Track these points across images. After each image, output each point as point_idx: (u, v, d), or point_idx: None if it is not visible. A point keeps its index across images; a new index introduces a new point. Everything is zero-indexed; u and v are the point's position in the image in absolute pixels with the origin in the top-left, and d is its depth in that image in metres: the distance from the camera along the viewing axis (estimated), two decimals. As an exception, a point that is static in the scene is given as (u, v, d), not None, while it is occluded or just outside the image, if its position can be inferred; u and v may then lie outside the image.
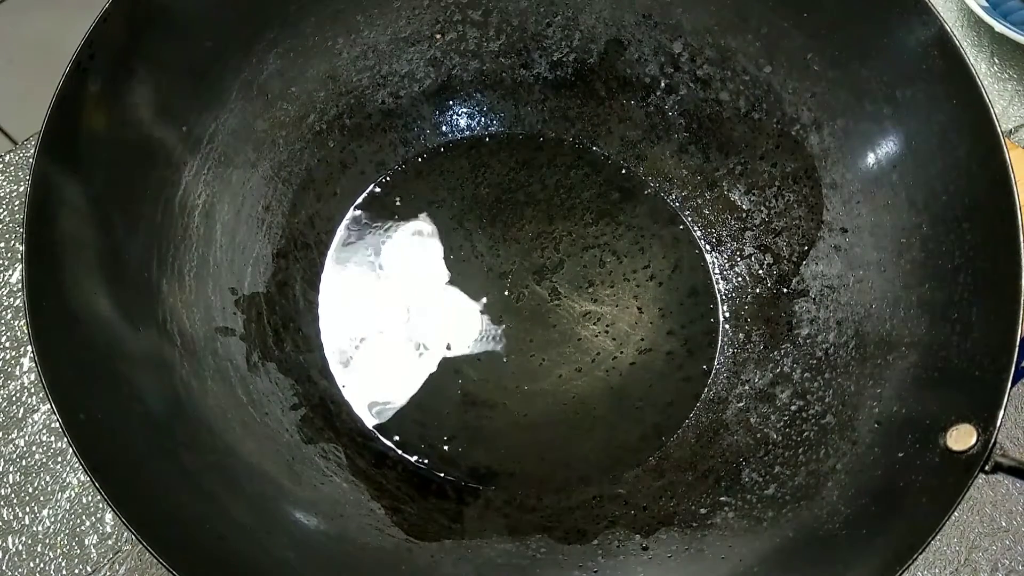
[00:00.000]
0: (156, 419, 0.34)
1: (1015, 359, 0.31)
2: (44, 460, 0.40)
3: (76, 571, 0.39)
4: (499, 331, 0.43)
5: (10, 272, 0.43)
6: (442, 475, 0.41)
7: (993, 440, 0.30)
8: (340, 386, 0.42)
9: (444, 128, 0.46)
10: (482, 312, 0.44)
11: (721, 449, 0.41)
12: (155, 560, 0.29)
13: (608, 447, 0.42)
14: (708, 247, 0.45)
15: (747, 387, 0.42)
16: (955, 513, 0.30)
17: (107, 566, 0.39)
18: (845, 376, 0.39)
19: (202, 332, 0.38)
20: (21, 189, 0.45)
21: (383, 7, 0.43)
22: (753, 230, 0.44)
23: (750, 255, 0.44)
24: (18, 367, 0.42)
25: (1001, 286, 0.32)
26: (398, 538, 0.37)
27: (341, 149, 0.44)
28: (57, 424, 0.35)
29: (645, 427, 0.42)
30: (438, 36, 0.44)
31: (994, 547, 0.41)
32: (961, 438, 0.31)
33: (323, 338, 0.43)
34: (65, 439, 0.34)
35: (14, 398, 0.41)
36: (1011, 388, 0.31)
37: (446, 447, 0.41)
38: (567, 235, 0.45)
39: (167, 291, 0.37)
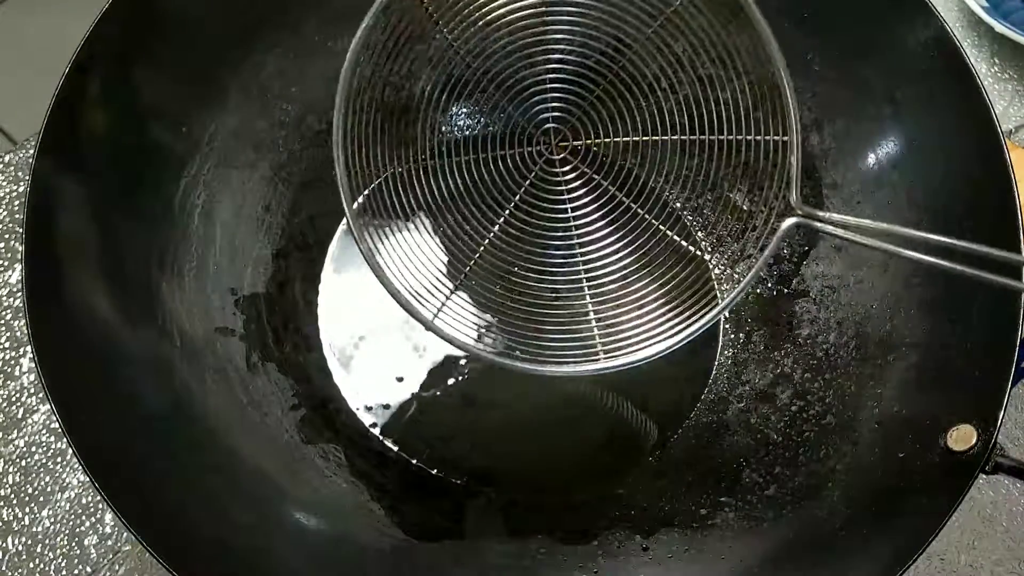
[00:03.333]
0: (156, 419, 0.34)
1: (1015, 359, 0.31)
2: (44, 460, 0.40)
3: (76, 571, 0.39)
4: (499, 331, 0.43)
5: (10, 272, 0.43)
6: (442, 475, 0.41)
7: (993, 440, 0.30)
8: (339, 386, 0.42)
9: (444, 128, 0.46)
10: (482, 311, 0.44)
11: (721, 449, 0.41)
12: (155, 560, 0.29)
13: (608, 447, 0.42)
14: (708, 247, 0.45)
15: (747, 387, 0.42)
16: (955, 513, 0.30)
17: (107, 566, 0.39)
18: (845, 376, 0.39)
19: (202, 332, 0.38)
20: (21, 189, 0.45)
21: (383, 7, 0.43)
22: (754, 230, 0.44)
23: (751, 255, 0.44)
24: (18, 367, 0.42)
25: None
26: (398, 538, 0.37)
27: (341, 149, 0.44)
28: (57, 424, 0.35)
29: (645, 427, 0.42)
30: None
31: (994, 547, 0.41)
32: (961, 438, 0.31)
33: (323, 338, 0.43)
34: (65, 439, 0.34)
35: (14, 398, 0.41)
36: (1011, 388, 0.31)
37: (446, 447, 0.41)
38: (568, 234, 0.45)
39: (167, 291, 0.37)
